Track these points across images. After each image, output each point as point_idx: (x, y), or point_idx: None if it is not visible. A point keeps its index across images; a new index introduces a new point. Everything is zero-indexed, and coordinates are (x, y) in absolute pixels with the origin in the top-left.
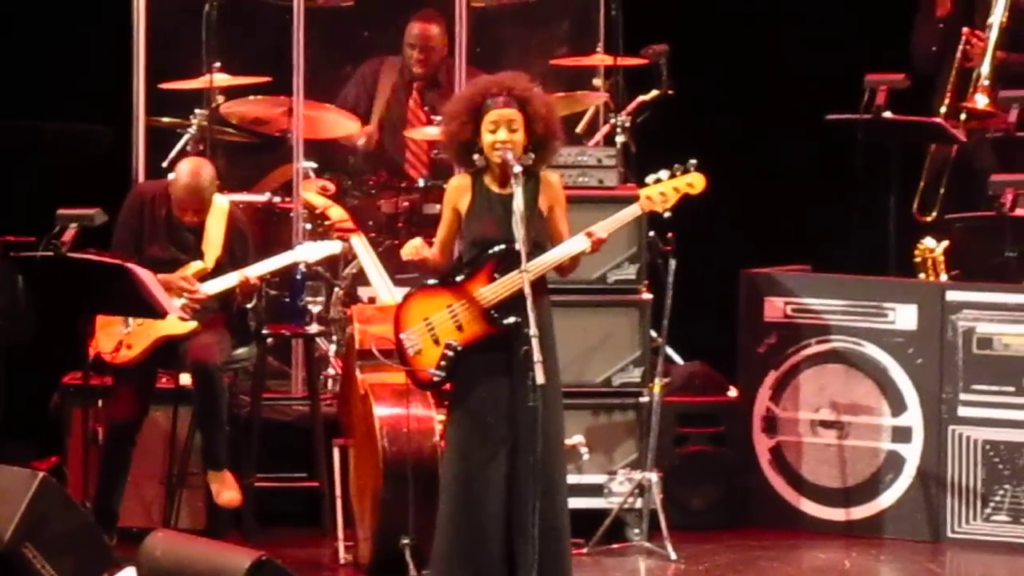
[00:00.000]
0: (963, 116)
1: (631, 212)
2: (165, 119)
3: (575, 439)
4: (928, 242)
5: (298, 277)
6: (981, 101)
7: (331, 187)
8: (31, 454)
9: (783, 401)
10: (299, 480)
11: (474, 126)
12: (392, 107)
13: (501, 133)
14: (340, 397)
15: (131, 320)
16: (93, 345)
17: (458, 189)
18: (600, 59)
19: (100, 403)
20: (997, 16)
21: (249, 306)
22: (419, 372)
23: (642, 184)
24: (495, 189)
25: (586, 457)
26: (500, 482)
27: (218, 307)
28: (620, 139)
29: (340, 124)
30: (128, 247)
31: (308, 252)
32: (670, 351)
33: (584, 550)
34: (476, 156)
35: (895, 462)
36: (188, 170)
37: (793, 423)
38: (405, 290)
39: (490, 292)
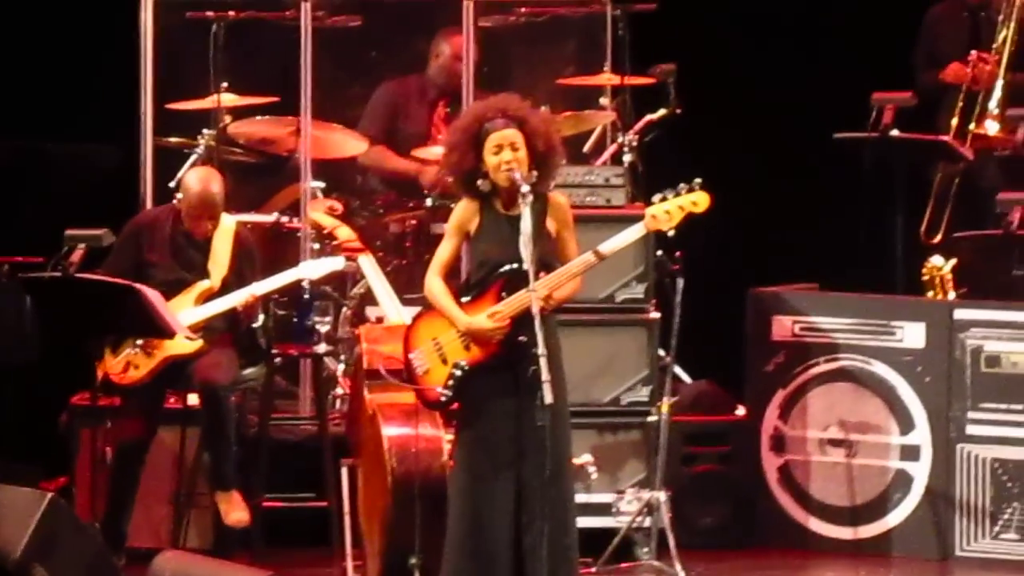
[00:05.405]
0: (970, 136)
1: (636, 231)
2: (173, 139)
3: (583, 458)
4: (936, 260)
5: (306, 297)
6: (992, 128)
7: (339, 207)
8: (40, 474)
9: (791, 420)
10: (307, 500)
11: (476, 154)
12: (409, 125)
13: (506, 154)
14: (348, 417)
15: (139, 340)
16: (101, 365)
17: (467, 211)
18: (607, 78)
19: (108, 423)
20: (1008, 36)
21: (255, 325)
22: (427, 391)
23: (649, 203)
24: (503, 211)
25: (594, 476)
26: (508, 501)
27: (225, 327)
28: (627, 158)
29: (348, 144)
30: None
31: (310, 269)
32: (678, 370)
33: (593, 569)
34: (481, 182)
35: (903, 480)
36: (198, 178)
37: (801, 442)
38: (413, 310)
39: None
